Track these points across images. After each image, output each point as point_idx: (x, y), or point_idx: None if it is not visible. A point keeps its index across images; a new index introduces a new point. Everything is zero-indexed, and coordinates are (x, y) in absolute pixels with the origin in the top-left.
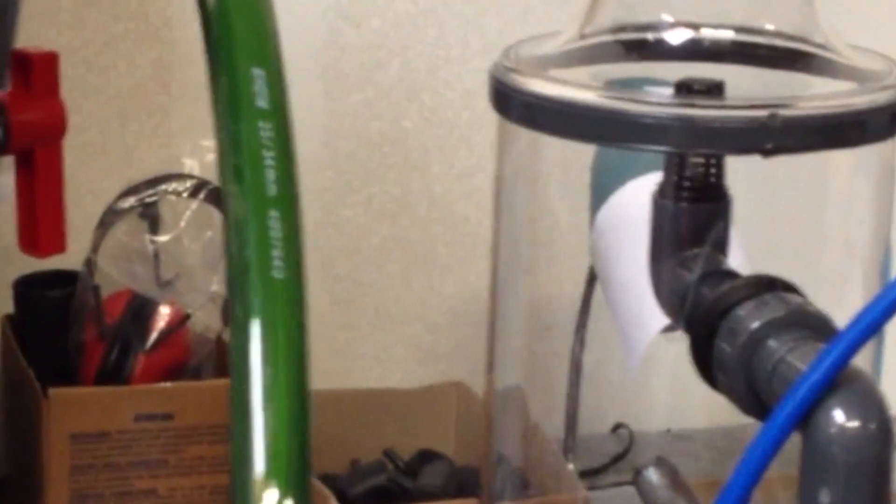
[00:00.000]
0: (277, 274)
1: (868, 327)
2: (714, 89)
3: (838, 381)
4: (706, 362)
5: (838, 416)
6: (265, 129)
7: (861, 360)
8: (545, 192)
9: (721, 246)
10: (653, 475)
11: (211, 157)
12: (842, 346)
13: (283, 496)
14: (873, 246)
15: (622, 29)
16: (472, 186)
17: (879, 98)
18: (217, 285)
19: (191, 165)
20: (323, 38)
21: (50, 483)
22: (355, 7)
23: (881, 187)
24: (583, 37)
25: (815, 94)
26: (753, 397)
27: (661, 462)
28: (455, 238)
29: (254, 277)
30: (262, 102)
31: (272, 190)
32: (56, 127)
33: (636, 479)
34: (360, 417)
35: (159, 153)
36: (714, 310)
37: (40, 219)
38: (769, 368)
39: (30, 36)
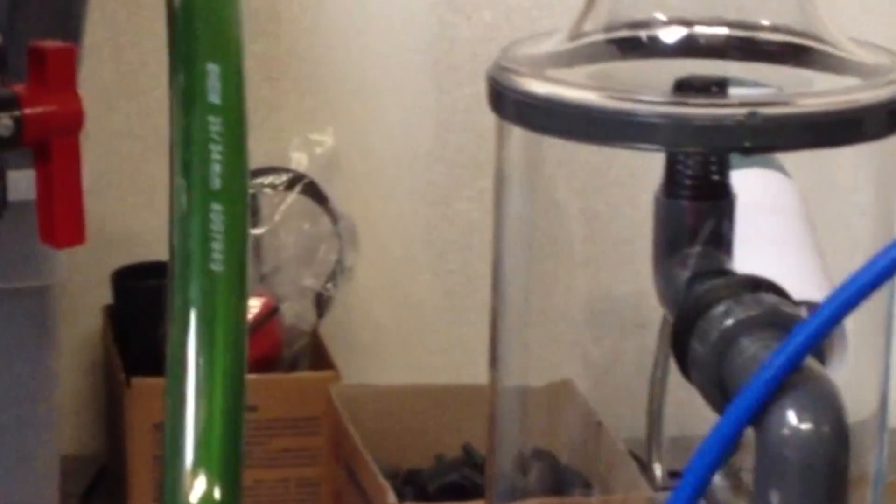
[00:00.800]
0: (216, 266)
1: (821, 326)
2: (715, 87)
3: (794, 381)
4: (685, 360)
5: (791, 417)
6: (214, 124)
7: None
8: (544, 192)
9: (725, 244)
10: (714, 477)
11: (319, 151)
12: (793, 346)
13: (211, 485)
14: (877, 240)
15: (618, 27)
16: None
17: (875, 95)
18: (311, 279)
19: (298, 159)
20: (433, 31)
21: (134, 472)
22: None
23: (886, 180)
24: (579, 35)
25: (807, 92)
26: (722, 396)
27: None
28: None
29: (194, 269)
30: (214, 97)
31: (216, 183)
32: (72, 120)
33: None
34: (445, 413)
35: (266, 147)
36: (693, 308)
37: (57, 211)
38: (736, 367)
39: (137, 29)
